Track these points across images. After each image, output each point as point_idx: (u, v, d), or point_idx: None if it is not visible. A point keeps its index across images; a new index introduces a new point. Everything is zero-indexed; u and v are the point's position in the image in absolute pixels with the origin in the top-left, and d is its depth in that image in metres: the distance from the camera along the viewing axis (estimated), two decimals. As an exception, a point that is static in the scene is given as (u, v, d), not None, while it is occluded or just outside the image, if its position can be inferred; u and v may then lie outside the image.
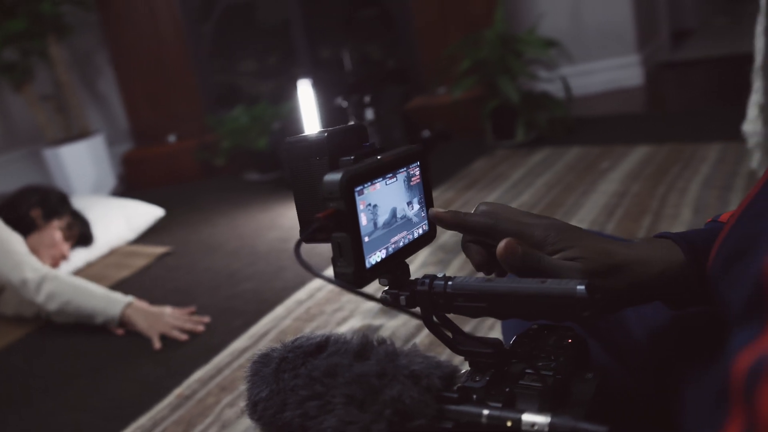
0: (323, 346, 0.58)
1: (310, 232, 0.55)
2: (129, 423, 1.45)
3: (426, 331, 1.59)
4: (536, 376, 0.52)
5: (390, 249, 0.57)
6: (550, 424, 0.48)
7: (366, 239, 0.54)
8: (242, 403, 1.39)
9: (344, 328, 1.69)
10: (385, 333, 1.63)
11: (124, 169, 3.72)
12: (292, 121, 3.01)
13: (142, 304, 1.87)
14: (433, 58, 3.56)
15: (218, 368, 1.61)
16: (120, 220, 2.70)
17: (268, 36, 3.88)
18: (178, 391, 1.54)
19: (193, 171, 3.59)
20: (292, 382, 0.55)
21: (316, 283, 1.99)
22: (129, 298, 1.87)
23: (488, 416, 0.50)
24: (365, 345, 0.57)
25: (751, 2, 7.14)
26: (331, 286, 1.94)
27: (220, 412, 1.43)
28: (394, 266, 0.58)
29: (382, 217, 0.56)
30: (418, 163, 0.60)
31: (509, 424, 0.50)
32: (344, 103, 2.41)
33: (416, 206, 0.60)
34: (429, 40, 3.62)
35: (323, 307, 1.83)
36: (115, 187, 3.62)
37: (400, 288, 0.58)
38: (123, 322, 1.86)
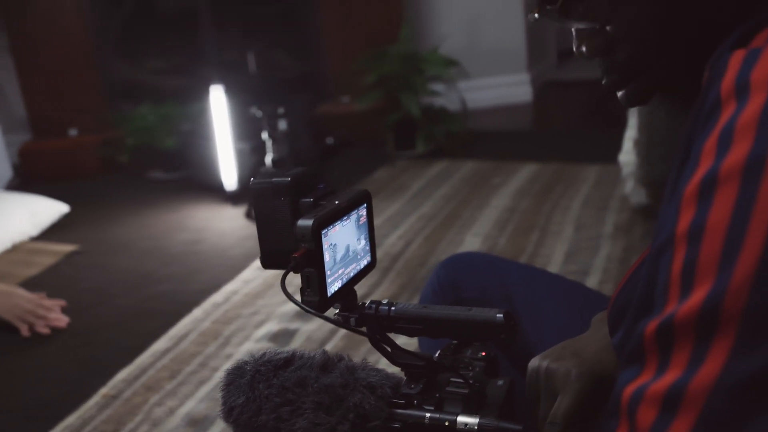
0: (290, 361, 0.69)
1: (290, 269, 0.67)
2: (56, 423, 1.52)
3: (338, 334, 1.75)
4: (460, 383, 0.66)
5: (344, 279, 0.68)
6: (479, 424, 0.63)
7: (328, 273, 0.65)
8: (170, 402, 1.50)
9: (262, 331, 1.81)
10: (301, 336, 1.77)
11: (20, 160, 3.64)
12: (202, 124, 3.07)
13: None
14: (337, 67, 3.70)
15: (142, 368, 1.70)
16: (21, 215, 2.68)
17: (175, 33, 3.89)
18: (103, 391, 1.61)
19: (94, 166, 3.56)
20: (267, 391, 0.66)
21: (232, 286, 2.10)
22: None
23: (429, 418, 0.64)
24: (327, 360, 0.69)
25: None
26: (246, 290, 2.06)
27: (149, 411, 1.53)
28: (347, 293, 0.70)
29: (339, 254, 0.67)
30: (365, 204, 0.72)
31: (447, 424, 0.64)
32: (258, 113, 2.51)
33: (363, 242, 0.72)
34: (334, 48, 3.76)
35: (240, 311, 1.94)
36: (11, 179, 3.55)
37: (350, 311, 0.69)
38: None
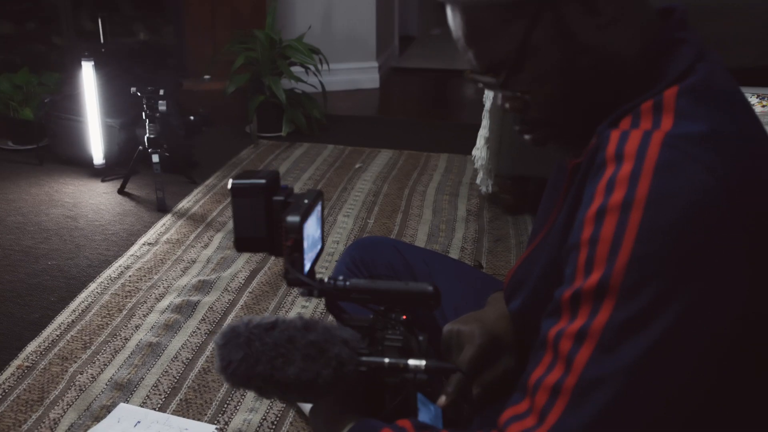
0: (275, 324, 0.83)
1: (289, 251, 0.86)
2: (-25, 392, 1.60)
3: (237, 306, 1.95)
4: (393, 338, 0.87)
5: (311, 261, 0.83)
6: (425, 365, 0.81)
7: (305, 256, 0.83)
8: (90, 370, 1.63)
9: (165, 303, 1.96)
10: (203, 307, 1.94)
11: None
12: (64, 96, 3.06)
13: None
14: (199, 45, 3.78)
15: (51, 340, 1.79)
16: None
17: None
18: (17, 363, 1.70)
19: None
20: (262, 348, 0.81)
21: (123, 261, 2.20)
22: None
23: (388, 363, 0.84)
24: (308, 323, 0.84)
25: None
26: (138, 265, 2.18)
27: (72, 379, 1.64)
28: (312, 271, 0.88)
29: (308, 241, 0.85)
30: (321, 202, 0.90)
31: (402, 366, 0.84)
32: (139, 93, 2.58)
33: (319, 231, 0.90)
34: (197, 27, 3.82)
35: (137, 285, 2.07)
36: None
37: (311, 285, 0.83)
38: None
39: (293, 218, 0.80)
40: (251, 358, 0.79)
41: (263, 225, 0.84)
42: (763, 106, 1.90)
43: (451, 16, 0.84)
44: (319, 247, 0.88)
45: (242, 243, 0.85)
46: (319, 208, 0.87)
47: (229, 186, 0.83)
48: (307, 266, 0.83)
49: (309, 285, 0.83)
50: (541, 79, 0.81)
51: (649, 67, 0.80)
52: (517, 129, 0.92)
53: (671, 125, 0.73)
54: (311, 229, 0.84)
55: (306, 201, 0.85)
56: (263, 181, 0.83)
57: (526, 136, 0.90)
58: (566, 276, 0.75)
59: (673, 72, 0.78)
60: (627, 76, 0.81)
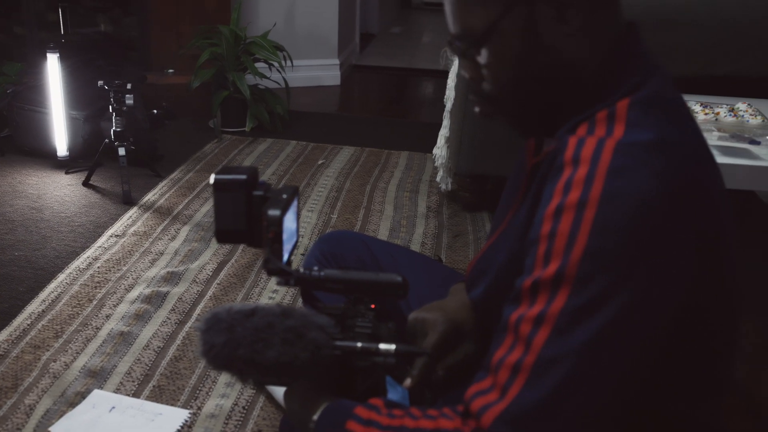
0: (254, 311, 0.85)
1: (269, 247, 0.94)
2: (-52, 379, 1.63)
3: (206, 296, 2.01)
4: (363, 325, 0.93)
5: (288, 251, 0.89)
6: (395, 349, 0.87)
7: (284, 247, 0.90)
8: (63, 358, 1.67)
9: (135, 293, 2.01)
10: (173, 297, 2.00)
11: None
12: (27, 86, 3.06)
13: None
14: (163, 38, 3.80)
15: (22, 329, 1.82)
16: None
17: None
18: (-11, 350, 1.74)
19: None
20: (243, 333, 0.82)
21: (91, 252, 2.24)
22: None
23: (360, 347, 0.91)
24: (285, 310, 0.90)
25: (420, 16, 8.46)
26: (106, 257, 2.21)
27: (45, 366, 1.69)
28: (289, 261, 0.94)
29: (286, 234, 0.91)
30: (297, 197, 0.96)
31: (373, 349, 0.91)
32: (106, 87, 2.61)
33: (295, 224, 0.96)
34: (161, 20, 3.84)
35: (107, 276, 2.11)
36: None
37: (290, 275, 0.88)
38: None
39: (274, 212, 0.86)
40: (233, 342, 0.83)
41: (243, 218, 0.89)
42: (706, 114, 2.03)
43: None
44: (295, 239, 0.94)
45: (223, 234, 0.91)
46: (295, 202, 0.93)
47: (212, 181, 0.88)
48: (285, 257, 0.89)
49: (288, 274, 0.90)
50: (499, 61, 0.89)
51: (608, 78, 0.88)
52: (470, 98, 1.00)
53: (622, 133, 0.81)
54: (289, 222, 0.90)
55: (284, 196, 0.91)
56: (244, 176, 0.89)
57: (476, 108, 0.99)
58: (526, 266, 0.84)
59: (627, 85, 0.86)
60: (583, 84, 0.89)
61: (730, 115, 2.03)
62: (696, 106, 2.09)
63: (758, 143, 1.89)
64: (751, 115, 2.03)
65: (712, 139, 1.92)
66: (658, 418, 0.90)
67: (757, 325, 2.12)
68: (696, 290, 0.81)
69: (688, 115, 0.90)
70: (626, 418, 0.81)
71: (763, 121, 2.00)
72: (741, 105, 2.09)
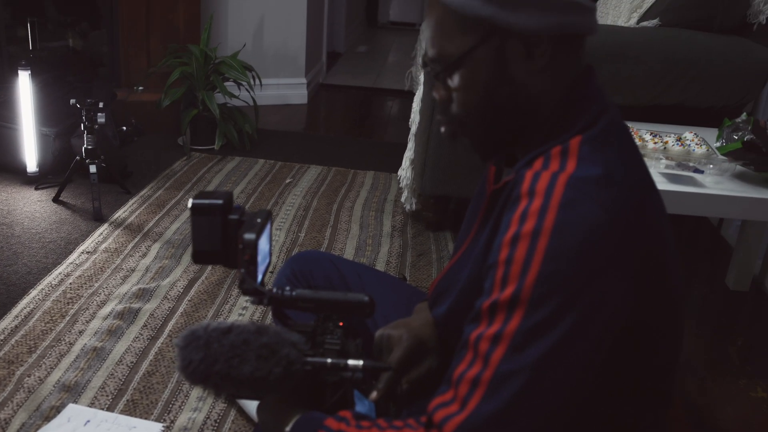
0: (230, 329, 0.90)
1: (245, 265, 1.01)
2: (-77, 393, 1.66)
3: (178, 312, 2.06)
4: (332, 342, 0.99)
5: (261, 272, 0.94)
6: (363, 364, 0.93)
7: (258, 269, 0.97)
8: (37, 373, 1.72)
9: (107, 309, 2.05)
10: (145, 314, 2.05)
11: None
12: (-3, 103, 3.08)
13: None
14: (132, 55, 3.84)
15: (-4, 345, 1.86)
16: None
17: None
18: (-37, 365, 1.77)
19: None
20: (220, 349, 0.87)
21: (63, 269, 2.28)
22: None
23: (330, 362, 0.96)
24: (260, 327, 0.91)
25: (385, 35, 8.60)
26: (78, 273, 2.26)
27: (20, 381, 1.73)
28: (263, 282, 1.00)
29: (260, 255, 0.98)
30: (270, 220, 1.04)
31: (342, 365, 0.97)
32: (78, 105, 2.65)
33: (268, 246, 1.02)
34: (130, 37, 3.87)
35: (79, 292, 2.15)
36: None
37: (263, 294, 0.93)
38: None
39: (250, 236, 0.93)
40: (210, 358, 0.87)
41: (219, 240, 0.97)
42: (656, 143, 2.15)
43: (430, 4, 0.99)
44: (268, 260, 1.01)
45: (200, 255, 0.97)
46: (269, 226, 1.00)
47: (189, 205, 0.95)
48: (259, 278, 0.96)
49: (262, 293, 0.96)
50: (469, 86, 0.97)
51: (563, 115, 0.97)
52: (437, 118, 1.09)
53: (574, 168, 0.90)
54: (263, 244, 0.96)
55: (258, 220, 0.97)
56: (220, 201, 0.96)
57: (442, 128, 1.07)
58: (485, 289, 0.93)
59: (581, 123, 0.96)
60: (541, 118, 0.98)
61: (678, 144, 2.16)
62: (647, 135, 2.21)
63: (702, 172, 2.02)
64: (697, 144, 2.17)
65: (660, 167, 2.04)
66: (607, 428, 0.99)
67: (706, 341, 2.25)
68: (641, 309, 0.91)
69: (634, 149, 1.00)
70: (576, 428, 0.91)
71: (707, 150, 2.14)
72: (688, 134, 2.23)
